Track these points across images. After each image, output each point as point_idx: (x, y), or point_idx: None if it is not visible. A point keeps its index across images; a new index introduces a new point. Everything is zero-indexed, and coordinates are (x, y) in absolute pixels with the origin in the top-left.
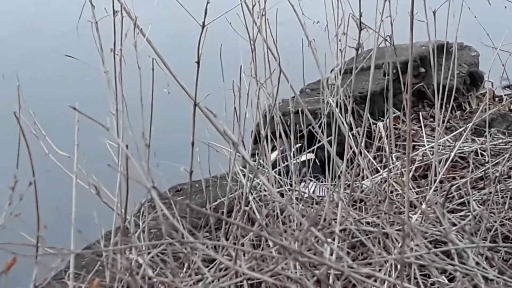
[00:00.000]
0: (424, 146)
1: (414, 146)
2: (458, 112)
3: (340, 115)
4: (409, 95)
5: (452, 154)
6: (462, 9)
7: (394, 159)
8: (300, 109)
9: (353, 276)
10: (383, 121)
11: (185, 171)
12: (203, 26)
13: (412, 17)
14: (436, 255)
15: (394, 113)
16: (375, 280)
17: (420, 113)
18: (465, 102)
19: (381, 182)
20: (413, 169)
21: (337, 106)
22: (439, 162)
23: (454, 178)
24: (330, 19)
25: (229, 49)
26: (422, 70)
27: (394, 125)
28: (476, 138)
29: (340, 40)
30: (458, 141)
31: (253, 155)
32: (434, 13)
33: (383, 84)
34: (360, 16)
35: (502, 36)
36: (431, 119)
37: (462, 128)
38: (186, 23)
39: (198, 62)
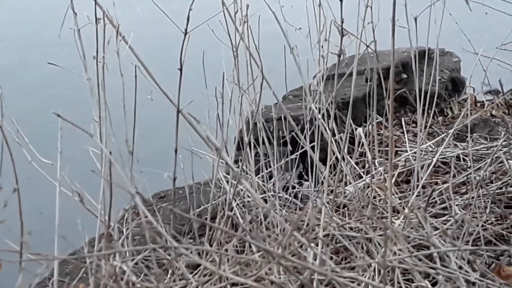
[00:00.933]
0: (406, 151)
1: (396, 151)
2: (440, 118)
3: (322, 121)
4: (391, 101)
5: (434, 159)
6: (444, 15)
7: (377, 165)
8: (283, 116)
9: (336, 279)
10: (365, 127)
11: (169, 177)
12: (186, 33)
13: (393, 23)
14: (419, 259)
15: (376, 119)
16: (358, 284)
17: (403, 118)
18: (447, 107)
19: (364, 187)
20: (396, 174)
21: (319, 112)
22: (422, 168)
23: (436, 183)
24: (312, 25)
25: (212, 56)
26: (404, 76)
27: (377, 130)
28: (458, 144)
29: (322, 47)
30: (440, 146)
31: (236, 161)
32: (415, 19)
33: (365, 90)
34: (342, 22)
35: (483, 42)
36: (414, 125)
37: (444, 134)
38: (169, 30)
39: (180, 69)
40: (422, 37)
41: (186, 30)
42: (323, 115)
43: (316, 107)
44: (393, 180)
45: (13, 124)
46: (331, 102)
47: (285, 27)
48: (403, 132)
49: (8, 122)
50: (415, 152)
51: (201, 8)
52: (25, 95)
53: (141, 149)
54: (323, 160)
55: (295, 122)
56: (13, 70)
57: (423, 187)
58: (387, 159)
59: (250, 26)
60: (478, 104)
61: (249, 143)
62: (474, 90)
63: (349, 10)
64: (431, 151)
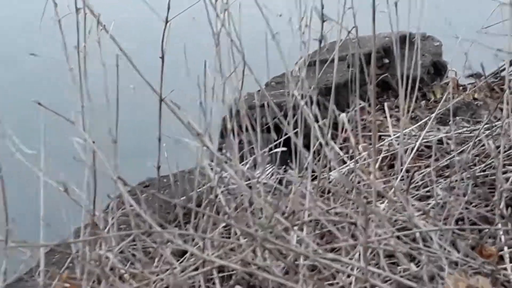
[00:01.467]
0: (389, 136)
1: (380, 136)
2: (423, 102)
3: (305, 107)
4: (373, 85)
5: (418, 143)
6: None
7: (361, 150)
8: (266, 102)
9: (319, 261)
10: (348, 112)
11: (153, 166)
12: (166, 21)
13: (373, 8)
14: (401, 239)
15: (359, 104)
16: (342, 266)
17: (385, 103)
18: (430, 91)
19: (348, 172)
20: (379, 159)
21: (302, 98)
22: (405, 152)
23: (420, 167)
24: (293, 12)
25: (196, 45)
26: (386, 61)
27: (360, 116)
28: (441, 127)
29: (303, 33)
30: (422, 130)
31: (220, 149)
32: (395, 3)
33: (347, 75)
34: (322, 8)
35: (464, 25)
36: (397, 110)
37: (427, 118)
38: (151, 19)
39: (162, 58)
40: (403, 22)
41: (167, 18)
42: (305, 101)
43: (298, 94)
44: (377, 165)
45: None
46: (314, 88)
47: (266, 13)
48: (386, 117)
49: None
50: (398, 137)
51: None
52: (7, 86)
53: (126, 139)
54: (307, 146)
55: (278, 109)
56: None
57: (407, 171)
58: (370, 144)
59: (231, 13)
60: (461, 88)
61: (232, 130)
62: (456, 74)
63: None
64: (414, 135)
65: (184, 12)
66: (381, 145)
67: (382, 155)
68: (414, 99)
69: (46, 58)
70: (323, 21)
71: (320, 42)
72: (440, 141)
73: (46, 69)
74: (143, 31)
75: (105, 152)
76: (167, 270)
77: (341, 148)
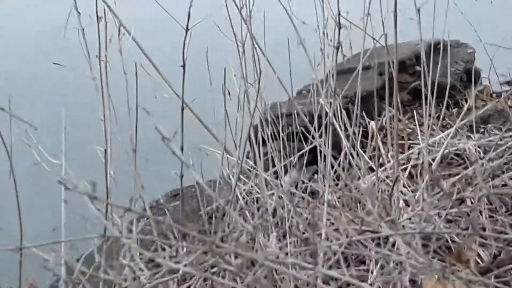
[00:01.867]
0: (419, 144)
1: (410, 144)
2: (455, 110)
3: (334, 115)
4: (395, 92)
5: (443, 151)
6: (451, 7)
7: (390, 158)
8: (294, 111)
9: (269, 265)
10: (378, 120)
11: (176, 175)
12: (187, 30)
13: (395, 15)
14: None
15: (390, 112)
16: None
17: (415, 111)
18: (462, 99)
19: (376, 181)
20: (409, 167)
21: (330, 107)
22: (433, 160)
23: (449, 175)
24: (315, 19)
25: (217, 53)
26: (418, 68)
27: (390, 124)
28: (471, 135)
29: (331, 41)
30: (452, 138)
31: (248, 157)
32: (418, 10)
33: (378, 83)
34: (339, 14)
35: (495, 33)
36: (428, 117)
37: (456, 125)
38: (172, 27)
39: (183, 66)
40: (437, 29)
41: (187, 26)
42: (334, 109)
43: (327, 102)
44: (406, 173)
45: (22, 125)
46: (344, 97)
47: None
48: (415, 125)
49: (16, 123)
50: (429, 144)
51: (205, 5)
52: (30, 96)
53: (149, 147)
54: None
55: (308, 118)
56: (18, 70)
57: (431, 180)
58: (401, 152)
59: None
60: (494, 95)
61: (262, 139)
62: (490, 81)
63: (356, 2)
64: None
65: (208, 23)
66: (411, 154)
67: (411, 163)
68: (445, 107)
69: (69, 67)
70: (339, 28)
71: (337, 48)
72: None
73: (69, 78)
74: (165, 41)
75: (127, 161)
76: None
77: (370, 157)
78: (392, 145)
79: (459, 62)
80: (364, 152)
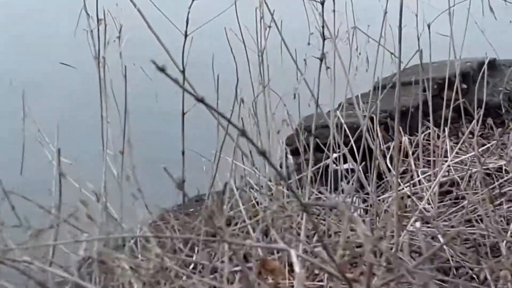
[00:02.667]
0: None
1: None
2: (499, 129)
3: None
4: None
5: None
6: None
7: (420, 175)
8: (338, 123)
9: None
10: (417, 136)
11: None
12: (186, 35)
13: (400, 29)
14: None
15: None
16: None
17: (459, 129)
18: (509, 119)
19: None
20: (438, 185)
21: (372, 122)
22: (462, 179)
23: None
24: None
25: (217, 58)
26: (464, 86)
27: (428, 140)
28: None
29: (359, 53)
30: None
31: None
32: (428, 26)
33: (422, 99)
34: (323, 26)
35: None
36: (470, 136)
37: (490, 144)
38: (173, 33)
39: (183, 71)
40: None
41: (186, 32)
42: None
43: (368, 115)
44: (437, 190)
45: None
46: (384, 111)
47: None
48: (457, 143)
49: (29, 122)
50: (460, 162)
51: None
52: (39, 95)
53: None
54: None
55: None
56: (25, 70)
57: (462, 198)
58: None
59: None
60: None
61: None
62: None
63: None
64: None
65: (212, 28)
66: (443, 171)
67: (441, 181)
68: (489, 126)
69: (77, 67)
70: (323, 39)
71: (321, 60)
72: (501, 170)
73: (77, 78)
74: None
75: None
76: None
77: (404, 172)
78: (427, 161)
79: (510, 82)
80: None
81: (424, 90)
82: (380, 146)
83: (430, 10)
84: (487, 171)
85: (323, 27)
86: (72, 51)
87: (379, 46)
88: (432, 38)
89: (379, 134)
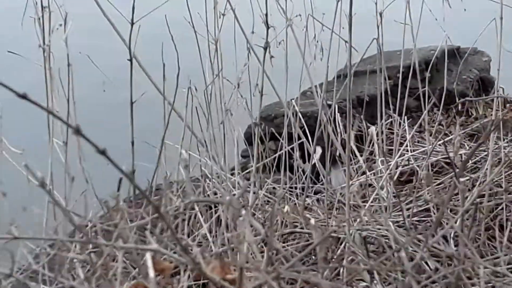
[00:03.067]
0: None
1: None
2: (462, 118)
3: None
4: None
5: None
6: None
7: (380, 164)
8: (292, 112)
9: None
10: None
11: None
12: (132, 23)
13: (350, 17)
14: None
15: (392, 117)
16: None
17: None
18: (472, 108)
19: (361, 186)
20: (397, 174)
21: (330, 109)
22: (419, 167)
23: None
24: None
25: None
26: (428, 74)
27: (390, 129)
28: (466, 144)
29: (317, 41)
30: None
31: (244, 156)
32: (380, 14)
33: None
34: (266, 15)
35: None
36: (433, 124)
37: (453, 134)
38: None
39: (131, 60)
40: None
41: (132, 20)
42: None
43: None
44: (395, 179)
45: None
46: (344, 100)
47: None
48: (419, 131)
49: None
50: (420, 152)
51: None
52: None
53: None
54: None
55: (305, 119)
56: None
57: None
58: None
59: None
60: (508, 105)
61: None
62: (504, 90)
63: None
64: (438, 151)
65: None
66: (401, 160)
67: (400, 170)
68: (453, 115)
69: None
70: (268, 28)
71: (265, 49)
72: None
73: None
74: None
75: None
76: None
77: (367, 160)
78: (389, 150)
79: (472, 70)
80: (361, 156)
81: (389, 79)
82: (340, 135)
83: None
84: (447, 160)
85: (266, 15)
86: (21, 39)
87: (333, 34)
88: (390, 26)
89: (339, 123)
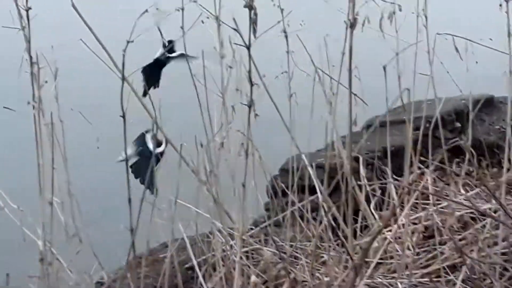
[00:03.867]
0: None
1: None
2: (494, 170)
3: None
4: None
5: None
6: None
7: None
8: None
9: None
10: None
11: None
12: (128, 42)
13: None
14: None
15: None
16: None
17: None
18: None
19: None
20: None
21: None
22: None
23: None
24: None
25: None
26: (458, 124)
27: (418, 181)
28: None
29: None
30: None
31: (267, 209)
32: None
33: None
34: (249, 71)
35: None
36: (463, 176)
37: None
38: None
39: (123, 79)
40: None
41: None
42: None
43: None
44: (419, 234)
45: None
46: (371, 151)
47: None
48: (448, 184)
49: None
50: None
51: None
52: None
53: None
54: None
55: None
56: None
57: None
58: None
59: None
60: None
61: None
62: None
63: None
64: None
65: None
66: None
67: (425, 224)
68: (485, 166)
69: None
70: (252, 85)
71: (250, 107)
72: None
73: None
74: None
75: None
76: None
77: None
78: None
79: (507, 119)
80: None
81: (417, 129)
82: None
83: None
84: (472, 215)
85: (249, 71)
86: (18, 94)
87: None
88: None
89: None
